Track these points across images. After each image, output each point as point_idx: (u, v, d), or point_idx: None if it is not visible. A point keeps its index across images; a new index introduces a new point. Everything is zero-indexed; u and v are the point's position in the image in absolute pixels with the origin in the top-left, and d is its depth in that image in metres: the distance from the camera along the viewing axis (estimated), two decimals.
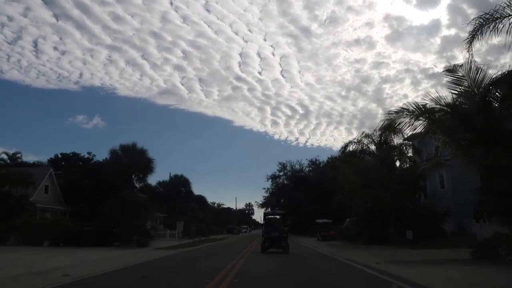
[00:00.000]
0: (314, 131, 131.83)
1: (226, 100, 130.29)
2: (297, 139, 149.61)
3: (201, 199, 78.24)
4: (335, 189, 33.99)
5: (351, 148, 28.56)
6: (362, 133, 28.60)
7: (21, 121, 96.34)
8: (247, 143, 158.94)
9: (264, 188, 64.86)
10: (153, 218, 50.87)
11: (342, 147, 29.05)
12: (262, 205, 68.12)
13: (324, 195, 48.07)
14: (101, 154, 57.11)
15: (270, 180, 63.21)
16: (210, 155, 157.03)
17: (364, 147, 28.12)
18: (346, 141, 29.12)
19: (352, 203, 29.49)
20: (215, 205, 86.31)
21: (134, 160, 27.88)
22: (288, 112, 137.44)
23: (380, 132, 24.74)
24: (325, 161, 58.56)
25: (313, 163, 60.08)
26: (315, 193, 50.39)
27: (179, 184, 58.00)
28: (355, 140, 28.39)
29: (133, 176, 28.50)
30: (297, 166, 62.15)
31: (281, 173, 62.78)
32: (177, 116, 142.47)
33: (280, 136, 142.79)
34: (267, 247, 20.19)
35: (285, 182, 62.98)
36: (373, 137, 27.89)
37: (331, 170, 53.37)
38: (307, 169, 61.17)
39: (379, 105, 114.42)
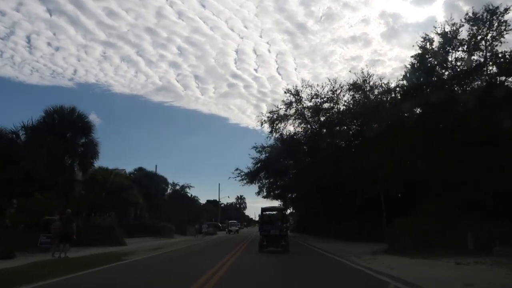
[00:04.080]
0: None
1: (222, 97, 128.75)
2: None
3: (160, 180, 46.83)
4: None
5: None
6: None
7: (15, 118, 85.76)
8: (243, 140, 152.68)
9: (255, 146, 32.70)
10: None
11: None
12: (249, 178, 33.37)
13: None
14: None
15: (267, 124, 30.39)
16: (206, 152, 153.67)
17: None
18: None
19: None
20: (177, 187, 53.09)
21: None
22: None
23: None
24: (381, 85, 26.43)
25: (354, 85, 27.24)
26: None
27: (62, 124, 25.53)
28: None
29: None
30: (319, 89, 29.72)
31: (290, 111, 29.85)
32: (173, 113, 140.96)
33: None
34: (265, 246, 17.72)
35: (297, 129, 30.57)
36: None
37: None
38: (343, 99, 28.80)
39: None
